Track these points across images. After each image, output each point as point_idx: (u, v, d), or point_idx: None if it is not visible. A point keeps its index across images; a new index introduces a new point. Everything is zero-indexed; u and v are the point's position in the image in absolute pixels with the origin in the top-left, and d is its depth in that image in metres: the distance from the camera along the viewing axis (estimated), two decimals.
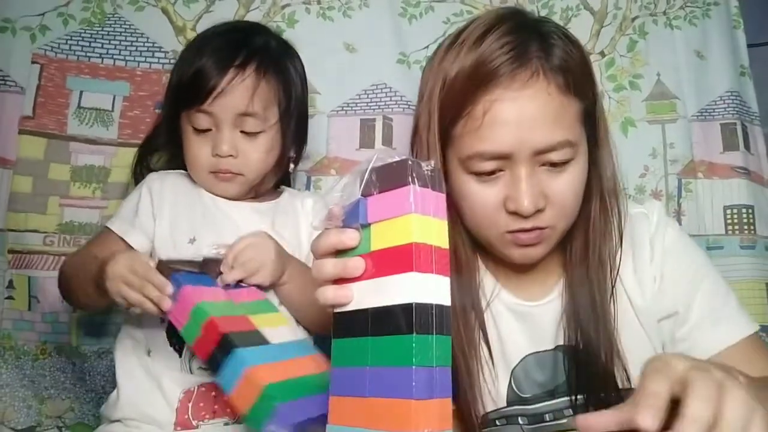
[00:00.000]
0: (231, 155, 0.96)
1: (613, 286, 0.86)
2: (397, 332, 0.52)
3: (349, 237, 0.59)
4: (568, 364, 0.87)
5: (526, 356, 0.90)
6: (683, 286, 0.87)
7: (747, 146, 1.30)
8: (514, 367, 0.90)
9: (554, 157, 0.79)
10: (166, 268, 0.82)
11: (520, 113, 0.77)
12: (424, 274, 0.53)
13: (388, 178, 0.56)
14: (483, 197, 0.81)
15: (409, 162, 0.55)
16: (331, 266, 0.59)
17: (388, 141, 1.26)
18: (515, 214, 0.79)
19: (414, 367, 0.51)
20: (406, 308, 0.52)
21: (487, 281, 0.92)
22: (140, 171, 1.07)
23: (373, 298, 0.56)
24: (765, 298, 1.24)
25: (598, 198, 0.86)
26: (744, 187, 1.28)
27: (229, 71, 0.94)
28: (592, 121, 0.84)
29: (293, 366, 0.79)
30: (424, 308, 0.52)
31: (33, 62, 1.19)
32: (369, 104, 1.28)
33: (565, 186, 0.80)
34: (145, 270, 0.81)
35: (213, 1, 1.28)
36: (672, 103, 1.30)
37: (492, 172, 0.80)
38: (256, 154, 0.98)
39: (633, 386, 0.74)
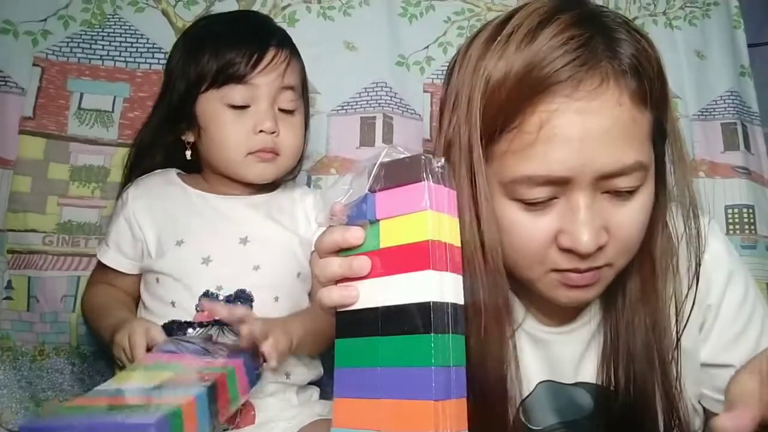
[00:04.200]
0: (274, 132, 0.96)
1: (678, 340, 0.71)
2: (413, 332, 0.52)
3: (354, 235, 0.57)
4: (602, 409, 0.75)
5: (538, 384, 0.78)
6: (729, 334, 0.77)
7: (747, 146, 1.31)
8: (525, 398, 0.77)
9: (622, 183, 0.63)
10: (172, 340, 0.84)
11: (586, 129, 0.60)
12: (441, 272, 0.52)
13: (399, 173, 0.56)
14: (530, 230, 0.64)
15: (423, 158, 0.54)
16: (336, 266, 0.58)
17: (388, 139, 1.25)
18: (569, 251, 0.64)
19: (433, 367, 0.50)
20: (423, 307, 0.51)
21: (515, 308, 0.77)
22: (137, 172, 1.05)
23: (383, 296, 0.55)
24: (765, 298, 1.24)
25: (664, 229, 0.71)
26: (744, 187, 1.28)
27: (270, 47, 0.97)
28: (662, 135, 0.68)
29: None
30: (440, 307, 0.52)
31: (34, 65, 1.18)
32: (369, 102, 1.27)
33: (632, 217, 0.65)
34: (133, 348, 0.83)
35: (213, 2, 1.27)
36: (673, 102, 1.29)
37: (543, 201, 0.64)
38: (293, 133, 0.99)
39: None
